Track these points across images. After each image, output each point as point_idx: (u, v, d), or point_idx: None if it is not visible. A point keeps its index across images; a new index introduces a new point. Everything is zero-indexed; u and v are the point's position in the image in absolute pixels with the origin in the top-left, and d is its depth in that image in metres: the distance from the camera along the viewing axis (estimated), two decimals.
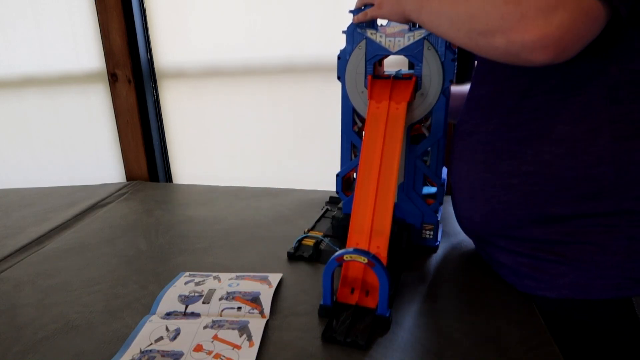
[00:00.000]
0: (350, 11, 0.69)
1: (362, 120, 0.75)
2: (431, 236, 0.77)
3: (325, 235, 0.82)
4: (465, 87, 0.86)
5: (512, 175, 0.59)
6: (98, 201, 1.11)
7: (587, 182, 0.54)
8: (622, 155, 0.52)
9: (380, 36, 0.69)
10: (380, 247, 0.61)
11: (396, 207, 0.75)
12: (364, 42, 0.70)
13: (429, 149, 0.74)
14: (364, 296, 0.61)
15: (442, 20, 0.55)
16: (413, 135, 0.74)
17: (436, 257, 0.76)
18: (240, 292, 0.65)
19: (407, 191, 0.75)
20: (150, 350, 0.54)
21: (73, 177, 1.37)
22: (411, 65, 0.71)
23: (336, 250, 0.62)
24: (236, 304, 0.62)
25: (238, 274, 0.71)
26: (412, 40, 0.67)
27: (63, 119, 1.33)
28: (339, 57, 0.73)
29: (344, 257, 0.56)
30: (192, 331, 0.57)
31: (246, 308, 0.62)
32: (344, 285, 0.62)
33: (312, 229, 0.86)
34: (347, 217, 0.78)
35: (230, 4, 1.17)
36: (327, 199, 1.01)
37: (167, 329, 0.58)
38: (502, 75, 0.61)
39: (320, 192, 1.09)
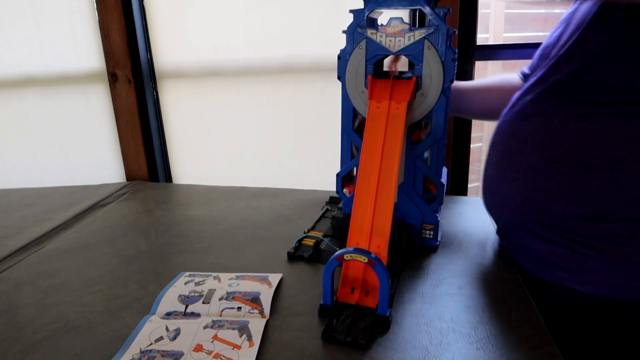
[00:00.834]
0: (351, 11, 0.69)
1: (362, 120, 0.75)
2: (431, 236, 0.77)
3: (325, 235, 0.82)
4: (461, 83, 0.86)
5: (571, 165, 0.58)
6: (98, 201, 1.11)
7: None
8: None
9: (381, 36, 0.69)
10: (381, 246, 0.61)
11: (396, 207, 0.74)
12: (364, 41, 0.70)
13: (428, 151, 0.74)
14: (364, 296, 0.61)
15: None
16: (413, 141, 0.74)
17: (436, 257, 0.76)
18: (240, 292, 0.65)
19: (407, 191, 0.75)
20: (150, 350, 0.54)
21: (73, 177, 1.36)
22: (411, 65, 0.71)
23: (336, 250, 0.62)
24: (236, 304, 0.62)
25: (238, 274, 0.71)
26: (412, 40, 0.67)
27: (63, 119, 1.33)
28: (339, 57, 0.73)
29: (345, 257, 0.56)
30: (192, 331, 0.57)
31: (246, 308, 0.62)
32: (344, 284, 0.62)
33: (312, 229, 0.86)
34: (347, 217, 0.78)
35: (230, 4, 1.17)
36: (327, 199, 1.01)
37: (167, 329, 0.58)
38: (590, 62, 0.58)
39: (320, 192, 1.09)
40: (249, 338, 0.55)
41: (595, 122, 0.56)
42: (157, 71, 1.26)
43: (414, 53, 0.68)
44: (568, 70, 0.60)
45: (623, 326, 0.58)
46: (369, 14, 0.69)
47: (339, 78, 0.74)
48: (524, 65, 0.81)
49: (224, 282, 0.68)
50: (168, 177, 1.37)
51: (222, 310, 0.61)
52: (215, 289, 0.66)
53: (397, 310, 0.61)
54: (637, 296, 0.56)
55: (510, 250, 0.70)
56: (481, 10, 1.08)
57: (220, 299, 0.63)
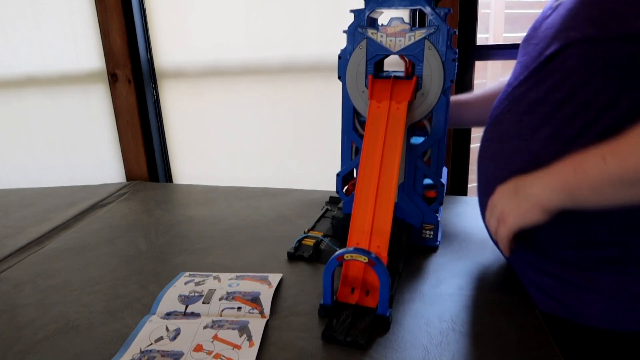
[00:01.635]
0: (351, 11, 0.69)
1: (362, 120, 0.75)
2: (431, 236, 0.77)
3: (325, 235, 0.82)
4: (460, 95, 0.85)
5: None
6: (98, 201, 1.11)
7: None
8: None
9: (381, 36, 0.69)
10: (381, 246, 0.61)
11: (396, 207, 0.74)
12: (364, 41, 0.70)
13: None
14: (364, 296, 0.61)
15: (609, 188, 0.46)
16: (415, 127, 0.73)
17: (436, 257, 0.76)
18: (240, 292, 0.65)
19: (407, 191, 0.75)
20: (150, 350, 0.54)
21: (73, 177, 1.36)
22: (411, 65, 0.71)
23: (336, 250, 0.62)
24: (236, 304, 0.62)
25: (238, 274, 0.71)
26: (412, 40, 0.67)
27: (63, 119, 1.33)
28: (339, 57, 0.73)
29: (345, 257, 0.56)
30: (192, 331, 0.57)
31: (246, 308, 0.62)
32: (344, 284, 0.62)
33: (312, 229, 0.86)
34: (347, 217, 0.78)
35: (230, 4, 1.17)
36: (327, 199, 1.01)
37: (167, 329, 0.58)
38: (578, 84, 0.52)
39: (320, 192, 1.08)
40: (249, 338, 0.55)
41: (573, 145, 0.52)
42: (157, 71, 1.26)
43: (414, 53, 0.68)
44: (546, 88, 0.55)
45: (625, 356, 0.55)
46: (369, 13, 0.69)
47: (339, 78, 0.74)
48: None
49: (224, 282, 0.68)
50: (168, 177, 1.37)
51: (222, 310, 0.61)
52: (215, 289, 0.66)
53: (397, 310, 0.61)
54: (638, 327, 0.53)
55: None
56: (481, 10, 1.08)
57: (220, 299, 0.63)
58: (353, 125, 0.76)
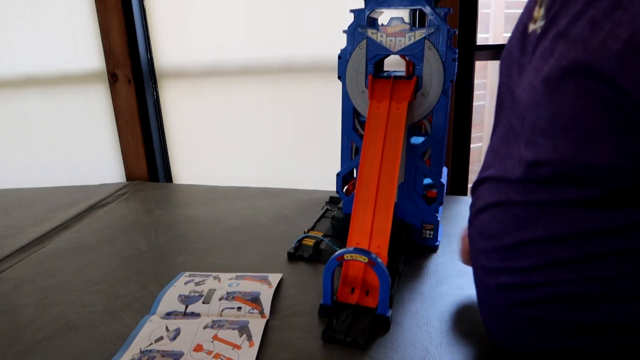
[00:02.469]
0: (351, 11, 0.69)
1: (362, 120, 0.75)
2: (431, 236, 0.77)
3: (325, 235, 0.82)
4: None
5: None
6: (98, 201, 1.11)
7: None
8: None
9: (381, 36, 0.69)
10: (381, 246, 0.61)
11: (396, 207, 0.74)
12: (364, 41, 0.70)
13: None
14: (364, 296, 0.61)
15: None
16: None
17: (436, 257, 0.75)
18: (240, 292, 0.65)
19: (408, 191, 0.75)
20: (150, 350, 0.54)
21: (73, 177, 1.36)
22: (411, 65, 0.71)
23: (336, 250, 0.62)
24: (236, 304, 0.62)
25: (238, 274, 0.71)
26: (412, 40, 0.67)
27: (63, 119, 1.33)
28: (339, 57, 0.73)
29: (345, 257, 0.56)
30: (192, 331, 0.57)
31: (246, 308, 0.62)
32: (344, 284, 0.62)
33: (312, 229, 0.86)
34: (347, 217, 0.78)
35: (230, 4, 1.17)
36: (327, 199, 1.01)
37: (167, 329, 0.58)
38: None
39: (320, 192, 1.08)
40: (249, 338, 0.55)
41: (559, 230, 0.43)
42: (157, 71, 1.26)
43: (414, 53, 0.68)
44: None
45: None
46: (369, 13, 0.69)
47: (339, 78, 0.74)
48: None
49: (224, 282, 0.68)
50: (168, 177, 1.37)
51: (222, 310, 0.61)
52: (215, 289, 0.66)
53: (397, 310, 0.61)
54: None
55: None
56: (481, 10, 1.07)
57: (220, 299, 0.63)
58: (353, 125, 0.76)
